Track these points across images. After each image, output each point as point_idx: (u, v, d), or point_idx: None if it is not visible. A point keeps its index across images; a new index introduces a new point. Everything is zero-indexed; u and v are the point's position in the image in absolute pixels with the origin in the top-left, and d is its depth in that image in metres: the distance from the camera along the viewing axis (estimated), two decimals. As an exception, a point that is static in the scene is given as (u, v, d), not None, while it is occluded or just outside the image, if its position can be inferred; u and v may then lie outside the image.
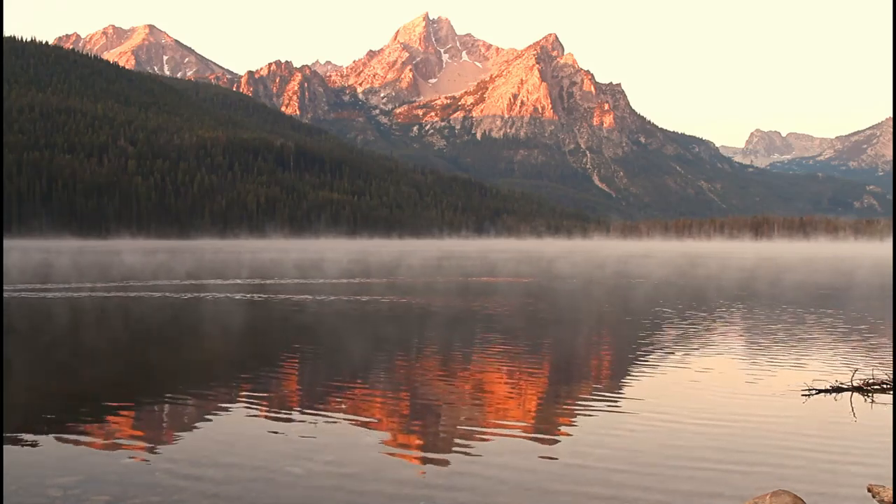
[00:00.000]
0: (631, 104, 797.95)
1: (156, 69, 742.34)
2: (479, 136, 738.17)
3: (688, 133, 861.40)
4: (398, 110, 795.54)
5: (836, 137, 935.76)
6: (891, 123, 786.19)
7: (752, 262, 69.77)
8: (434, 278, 41.40)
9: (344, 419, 9.47)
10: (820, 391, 10.87)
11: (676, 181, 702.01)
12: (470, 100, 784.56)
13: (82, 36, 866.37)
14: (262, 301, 26.47)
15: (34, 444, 8.26)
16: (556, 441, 8.57)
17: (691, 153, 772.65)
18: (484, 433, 8.88)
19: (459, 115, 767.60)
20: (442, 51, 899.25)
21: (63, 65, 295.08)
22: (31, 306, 23.90)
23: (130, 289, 31.62)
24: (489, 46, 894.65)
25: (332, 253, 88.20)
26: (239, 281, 37.57)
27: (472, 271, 50.03)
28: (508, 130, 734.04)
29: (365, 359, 14.42)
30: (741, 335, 18.04)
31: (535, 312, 23.54)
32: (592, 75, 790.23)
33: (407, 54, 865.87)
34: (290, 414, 9.79)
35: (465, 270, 50.89)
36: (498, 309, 24.35)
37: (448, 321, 21.11)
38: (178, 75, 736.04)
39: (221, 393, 11.08)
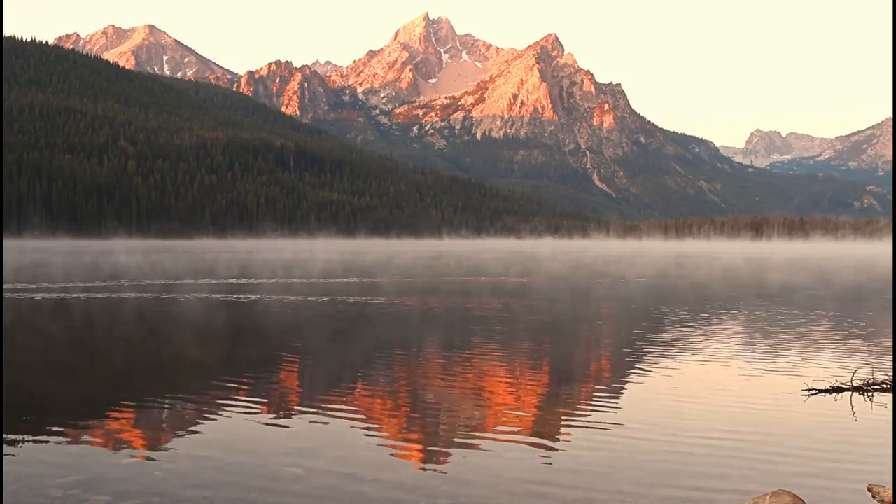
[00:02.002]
0: (631, 104, 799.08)
1: (156, 69, 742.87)
2: (479, 136, 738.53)
3: (688, 133, 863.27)
4: (398, 110, 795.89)
5: (836, 137, 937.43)
6: (891, 123, 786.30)
7: (734, 262, 69.97)
8: (415, 278, 41.56)
9: (344, 419, 9.47)
10: (820, 391, 10.87)
11: (676, 181, 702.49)
12: (470, 100, 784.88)
13: (82, 36, 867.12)
14: (251, 300, 26.46)
15: (34, 444, 8.26)
16: (556, 441, 8.57)
17: (691, 153, 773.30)
18: (484, 433, 8.88)
19: (459, 115, 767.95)
20: (442, 51, 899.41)
21: (63, 65, 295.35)
22: (23, 306, 23.90)
23: (122, 289, 31.61)
24: (489, 46, 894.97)
25: (324, 253, 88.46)
26: (232, 280, 37.59)
27: (458, 271, 50.11)
28: (508, 130, 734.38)
29: (360, 358, 14.41)
30: (739, 336, 18.04)
31: (517, 313, 23.53)
32: (592, 75, 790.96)
33: (407, 54, 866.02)
34: (290, 414, 9.79)
35: (449, 270, 50.99)
36: (485, 309, 24.34)
37: (422, 320, 21.11)
38: (178, 75, 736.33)
39: (221, 393, 11.07)
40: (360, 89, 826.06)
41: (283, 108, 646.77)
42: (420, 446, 8.46)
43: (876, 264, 64.19)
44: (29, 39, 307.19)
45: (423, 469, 7.59)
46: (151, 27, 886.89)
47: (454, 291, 31.89)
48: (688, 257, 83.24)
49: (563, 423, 9.47)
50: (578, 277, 43.91)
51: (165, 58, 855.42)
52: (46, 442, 8.36)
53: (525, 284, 37.48)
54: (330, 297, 27.48)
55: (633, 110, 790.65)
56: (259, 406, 10.25)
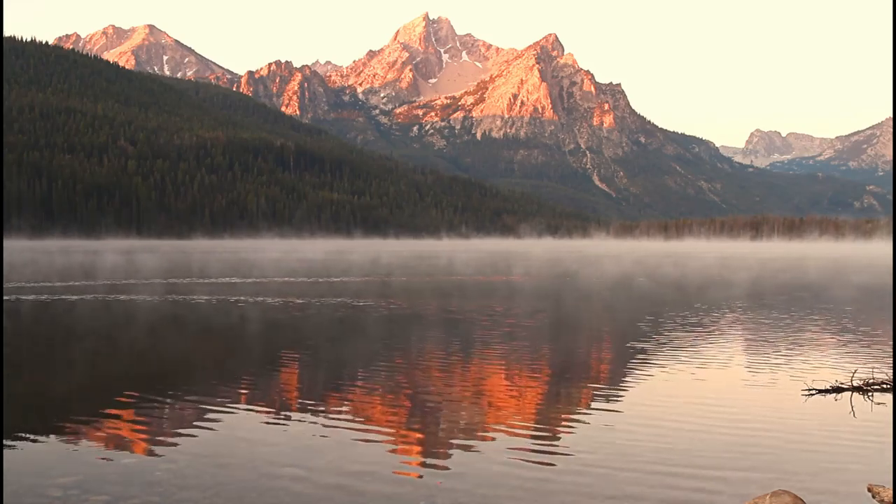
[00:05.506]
0: (631, 104, 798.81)
1: (156, 69, 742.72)
2: (479, 136, 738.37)
3: (688, 133, 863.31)
4: (398, 110, 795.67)
5: (836, 137, 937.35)
6: (891, 123, 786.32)
7: (714, 261, 70.44)
8: (381, 278, 42.10)
9: (344, 419, 9.47)
10: (820, 391, 10.87)
11: (676, 181, 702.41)
12: (470, 100, 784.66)
13: (82, 36, 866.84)
14: (251, 300, 26.47)
15: (34, 444, 8.26)
16: (556, 441, 8.57)
17: (691, 153, 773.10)
18: (484, 433, 8.88)
19: (459, 115, 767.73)
20: (442, 51, 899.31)
21: (63, 65, 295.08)
22: (21, 307, 23.91)
23: (118, 289, 31.64)
24: (489, 46, 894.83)
25: (311, 253, 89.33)
26: (186, 280, 37.62)
27: (432, 271, 50.59)
28: (508, 130, 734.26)
29: (354, 358, 14.42)
30: (737, 336, 18.04)
31: (484, 312, 23.54)
32: (592, 75, 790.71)
33: (407, 54, 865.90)
34: (290, 414, 9.79)
35: (425, 270, 51.54)
36: (471, 311, 24.33)
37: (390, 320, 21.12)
38: (178, 75, 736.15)
39: (221, 393, 11.07)
40: (360, 89, 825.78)
41: (283, 108, 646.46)
42: (419, 447, 8.46)
43: (850, 264, 64.35)
44: (29, 39, 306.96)
45: (423, 469, 7.60)
46: (151, 27, 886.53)
47: (416, 290, 31.97)
48: (668, 257, 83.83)
49: (561, 423, 9.47)
50: (551, 276, 44.42)
51: (165, 58, 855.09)
52: (46, 442, 8.36)
53: (491, 283, 37.62)
54: (266, 298, 27.49)
55: (633, 110, 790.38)
56: (259, 406, 10.25)
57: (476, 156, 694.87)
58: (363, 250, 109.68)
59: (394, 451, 8.22)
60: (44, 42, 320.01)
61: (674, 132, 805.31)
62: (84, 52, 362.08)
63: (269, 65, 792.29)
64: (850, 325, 19.38)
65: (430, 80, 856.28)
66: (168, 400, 10.66)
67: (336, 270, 49.88)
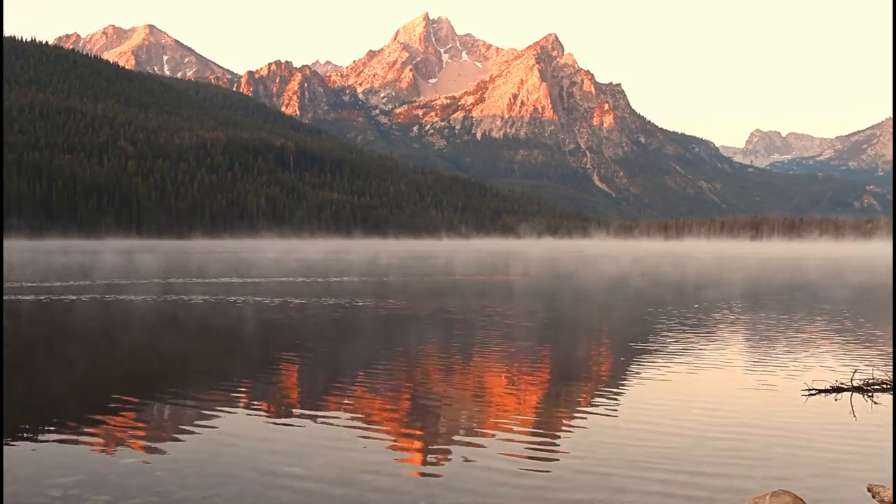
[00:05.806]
0: (631, 104, 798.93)
1: (156, 69, 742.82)
2: (479, 136, 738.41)
3: (688, 133, 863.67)
4: (398, 110, 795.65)
5: (836, 137, 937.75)
6: (891, 123, 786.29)
7: (714, 261, 70.53)
8: (379, 277, 42.07)
9: (343, 419, 9.47)
10: (820, 391, 10.87)
11: (676, 181, 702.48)
12: (470, 100, 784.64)
13: (82, 36, 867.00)
14: (250, 300, 26.46)
15: (34, 444, 8.26)
16: (555, 442, 8.57)
17: (691, 153, 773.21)
18: (483, 433, 8.88)
19: (459, 115, 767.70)
20: (442, 51, 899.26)
21: (63, 65, 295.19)
22: (21, 307, 23.90)
23: (117, 289, 31.64)
24: (489, 46, 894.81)
25: (312, 254, 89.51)
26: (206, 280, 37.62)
27: (437, 270, 50.69)
28: (508, 130, 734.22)
29: (357, 358, 14.42)
30: (736, 336, 18.04)
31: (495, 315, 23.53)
32: (592, 75, 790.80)
33: (407, 54, 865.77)
34: (290, 414, 9.79)
35: (428, 270, 51.71)
36: (462, 310, 24.33)
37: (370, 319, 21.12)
38: (178, 75, 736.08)
39: (221, 393, 11.07)
40: (360, 89, 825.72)
41: (283, 108, 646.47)
42: (419, 447, 8.46)
43: (850, 264, 64.35)
44: (29, 39, 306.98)
45: (423, 470, 7.60)
46: (151, 27, 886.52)
47: (414, 290, 31.95)
48: (667, 257, 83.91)
49: (561, 424, 9.47)
50: (550, 276, 44.52)
51: (165, 58, 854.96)
52: (46, 442, 8.36)
53: (490, 283, 37.66)
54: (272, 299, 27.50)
55: (633, 110, 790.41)
56: (259, 406, 10.25)
57: (476, 156, 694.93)
58: (362, 250, 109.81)
59: (393, 451, 8.22)
60: (44, 42, 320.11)
61: (674, 132, 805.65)
62: (84, 52, 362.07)
63: (269, 65, 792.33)
64: (850, 325, 19.38)
65: (430, 80, 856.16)
66: (168, 400, 10.66)
67: (335, 270, 49.91)
